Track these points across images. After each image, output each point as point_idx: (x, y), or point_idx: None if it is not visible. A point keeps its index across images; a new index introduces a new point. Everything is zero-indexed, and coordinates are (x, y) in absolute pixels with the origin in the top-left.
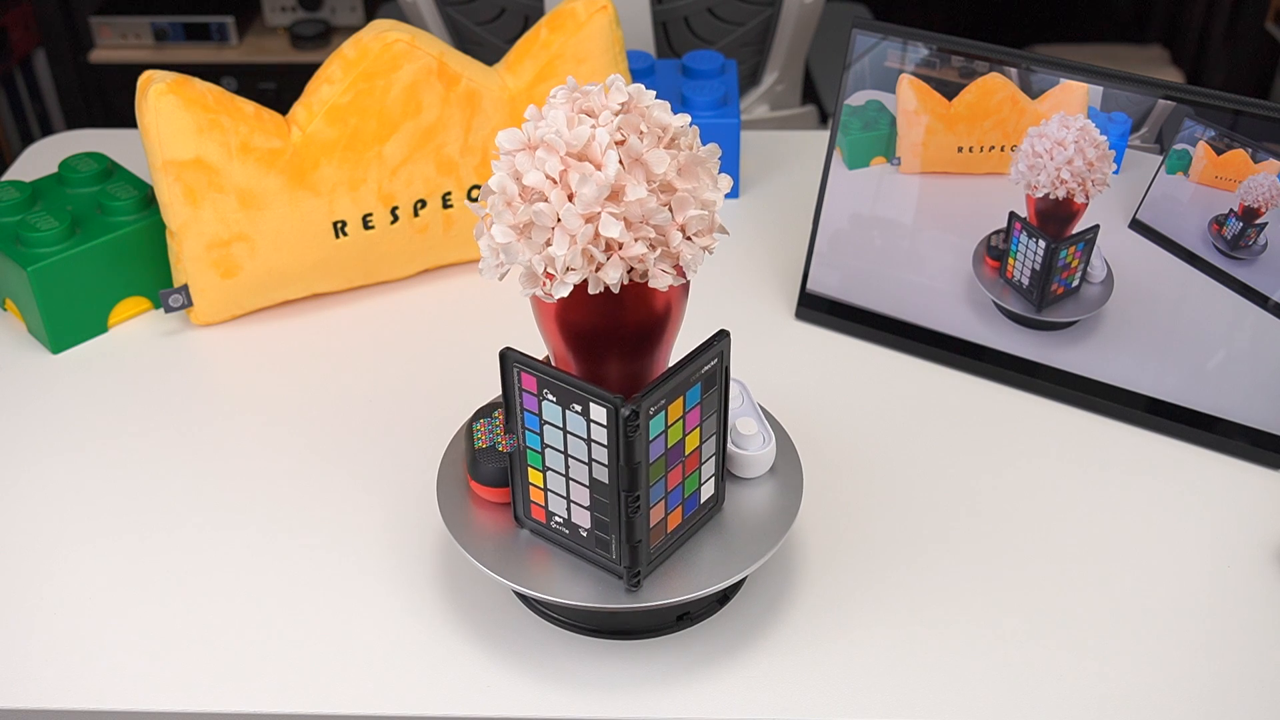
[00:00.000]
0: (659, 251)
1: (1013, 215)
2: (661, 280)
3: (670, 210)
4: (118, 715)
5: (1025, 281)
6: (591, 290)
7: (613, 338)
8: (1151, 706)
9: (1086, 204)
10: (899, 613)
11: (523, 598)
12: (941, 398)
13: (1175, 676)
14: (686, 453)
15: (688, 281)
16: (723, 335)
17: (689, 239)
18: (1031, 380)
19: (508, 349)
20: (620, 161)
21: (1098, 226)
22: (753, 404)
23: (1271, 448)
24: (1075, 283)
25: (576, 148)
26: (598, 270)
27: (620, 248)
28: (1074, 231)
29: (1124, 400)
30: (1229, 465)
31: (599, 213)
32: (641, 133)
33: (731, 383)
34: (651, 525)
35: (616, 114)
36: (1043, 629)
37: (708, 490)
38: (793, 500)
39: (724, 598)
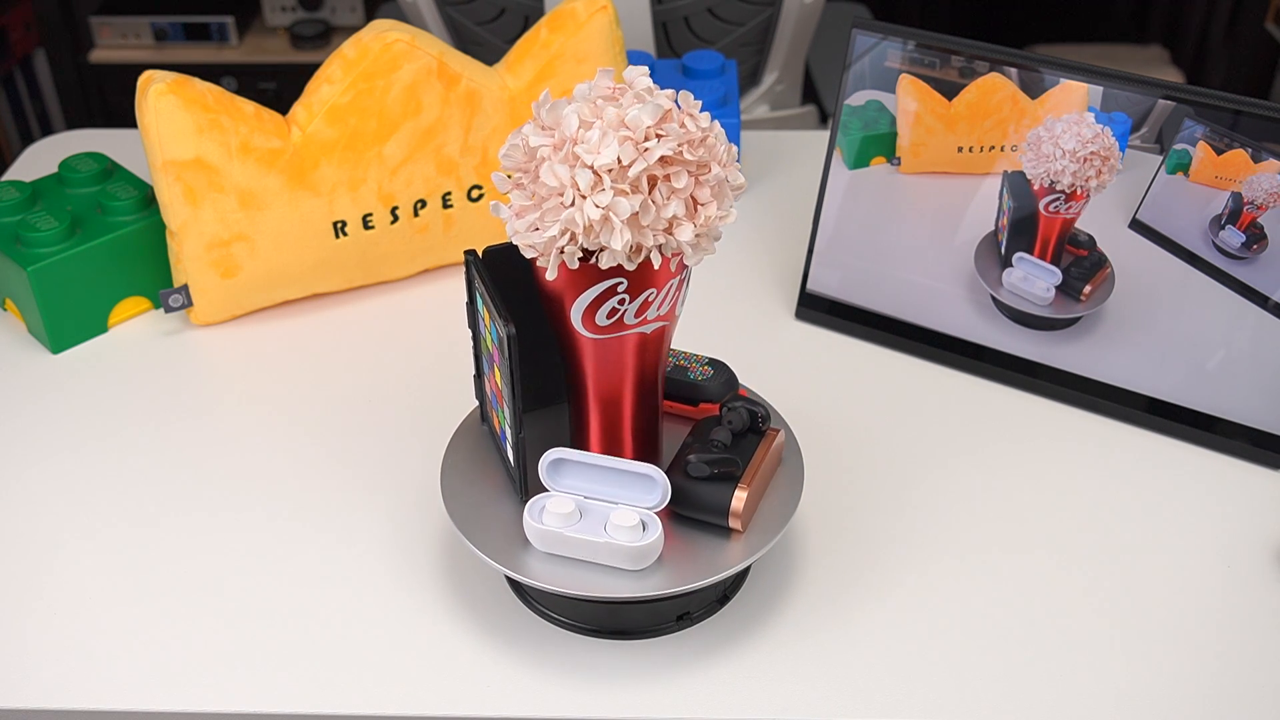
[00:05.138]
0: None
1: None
2: (499, 211)
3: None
4: (118, 715)
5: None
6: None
7: (543, 298)
8: (1151, 706)
9: (1078, 195)
10: (899, 613)
11: (524, 597)
12: (941, 398)
13: (1175, 676)
14: (498, 381)
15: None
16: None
17: (558, 238)
18: (1031, 380)
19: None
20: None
21: (1005, 224)
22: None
23: (1271, 448)
24: (1000, 232)
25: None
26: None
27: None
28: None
29: (1124, 400)
30: (1229, 465)
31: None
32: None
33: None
34: (486, 391)
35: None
36: (1043, 628)
37: (509, 452)
38: (792, 497)
39: (724, 597)
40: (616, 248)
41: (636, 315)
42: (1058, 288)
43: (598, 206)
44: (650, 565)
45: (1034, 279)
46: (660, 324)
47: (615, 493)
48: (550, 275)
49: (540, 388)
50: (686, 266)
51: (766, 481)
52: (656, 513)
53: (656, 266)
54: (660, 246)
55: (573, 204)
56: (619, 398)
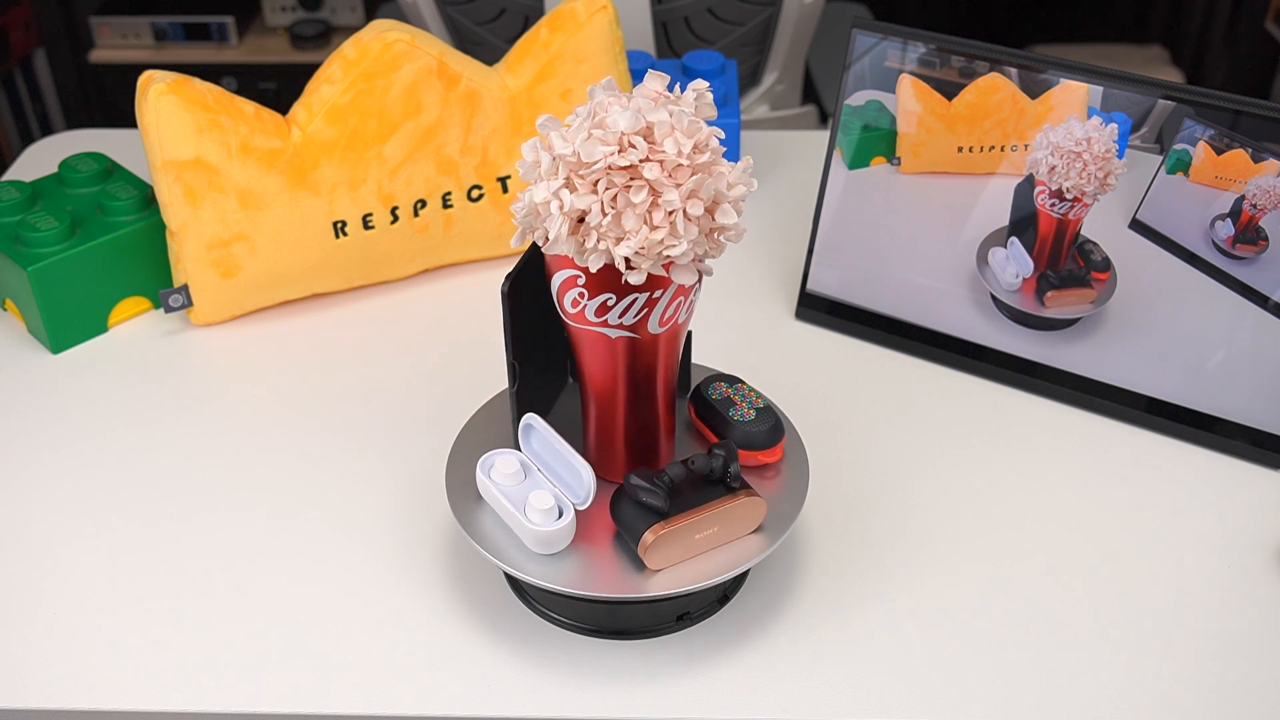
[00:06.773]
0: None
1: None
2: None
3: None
4: (118, 715)
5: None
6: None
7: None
8: (1151, 706)
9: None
10: (899, 613)
11: (524, 597)
12: (941, 398)
13: (1175, 676)
14: None
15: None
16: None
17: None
18: (1031, 380)
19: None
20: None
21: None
22: (547, 480)
23: (1271, 448)
24: None
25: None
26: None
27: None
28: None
29: (1124, 400)
30: (1229, 465)
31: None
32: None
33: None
34: None
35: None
36: (1043, 629)
37: None
38: (797, 498)
39: (724, 597)
40: (550, 236)
41: (596, 314)
42: (1033, 286)
43: (546, 191)
44: (560, 552)
45: (1009, 264)
46: (625, 334)
47: (562, 475)
48: (514, 243)
49: None
50: (664, 285)
51: (714, 538)
52: (583, 509)
53: (594, 270)
54: (607, 253)
55: (534, 182)
56: (611, 395)
